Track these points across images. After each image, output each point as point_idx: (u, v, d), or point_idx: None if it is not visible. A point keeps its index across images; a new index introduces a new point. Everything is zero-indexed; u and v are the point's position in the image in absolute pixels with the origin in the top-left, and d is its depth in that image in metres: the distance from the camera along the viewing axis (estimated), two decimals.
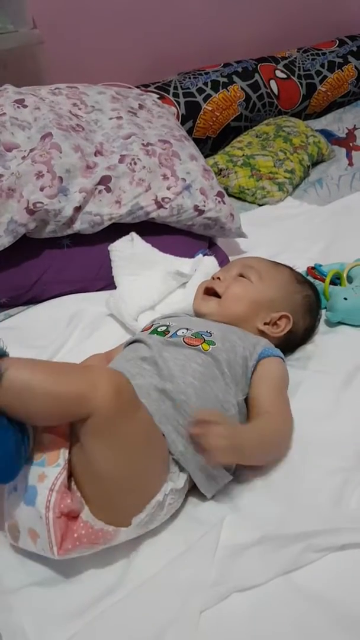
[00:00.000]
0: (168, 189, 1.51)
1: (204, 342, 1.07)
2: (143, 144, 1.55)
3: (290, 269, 1.30)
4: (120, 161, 1.50)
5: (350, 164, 2.15)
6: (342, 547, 0.89)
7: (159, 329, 1.13)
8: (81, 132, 1.54)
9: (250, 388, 1.07)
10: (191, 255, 1.48)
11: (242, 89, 2.24)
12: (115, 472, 0.85)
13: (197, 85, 2.16)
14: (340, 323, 1.36)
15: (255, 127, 2.23)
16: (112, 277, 1.47)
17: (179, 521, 0.96)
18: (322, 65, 2.47)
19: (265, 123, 2.23)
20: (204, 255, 1.46)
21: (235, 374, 1.05)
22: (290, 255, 1.54)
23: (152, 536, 0.93)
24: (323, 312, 1.37)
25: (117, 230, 1.49)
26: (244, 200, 1.95)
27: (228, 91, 2.20)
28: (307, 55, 2.47)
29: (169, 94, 2.09)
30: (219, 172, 1.97)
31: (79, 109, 1.63)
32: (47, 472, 0.85)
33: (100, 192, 1.46)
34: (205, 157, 1.88)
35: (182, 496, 0.96)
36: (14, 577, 0.89)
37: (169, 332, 1.11)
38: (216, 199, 1.56)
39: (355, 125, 2.38)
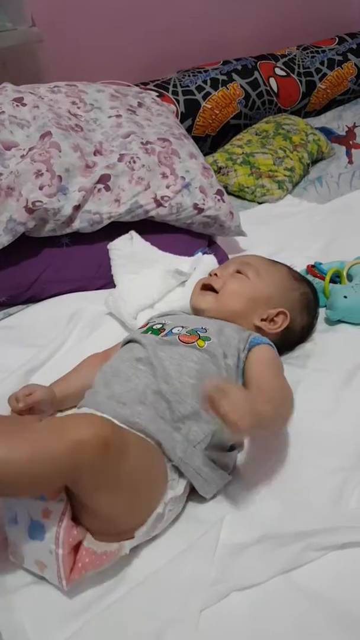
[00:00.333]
0: (167, 187, 1.51)
1: (199, 338, 1.07)
2: (142, 143, 1.55)
3: (288, 267, 1.30)
4: (120, 160, 1.49)
5: (350, 161, 2.14)
6: (342, 546, 0.89)
7: (154, 327, 1.12)
8: (80, 132, 1.53)
9: (245, 376, 1.06)
10: (190, 253, 1.48)
11: (241, 86, 2.23)
12: (115, 508, 0.85)
13: (196, 83, 2.16)
14: (340, 321, 1.36)
15: (254, 125, 2.22)
16: (112, 275, 1.47)
17: (179, 520, 0.96)
18: (322, 63, 2.47)
19: (264, 121, 2.23)
20: (204, 253, 1.46)
21: (230, 367, 1.05)
22: (290, 254, 1.54)
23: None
24: (323, 310, 1.37)
25: (116, 228, 1.49)
26: (244, 199, 1.95)
27: (227, 89, 2.20)
28: (307, 53, 2.47)
29: (168, 92, 2.09)
30: (218, 170, 1.96)
31: (78, 107, 1.63)
32: (51, 507, 0.84)
33: (99, 190, 1.46)
34: (205, 155, 1.88)
35: (183, 501, 0.96)
36: (14, 576, 0.89)
37: (164, 330, 1.10)
38: (215, 197, 1.56)
39: (355, 123, 2.38)
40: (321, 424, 1.10)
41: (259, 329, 1.18)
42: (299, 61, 2.43)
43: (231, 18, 2.37)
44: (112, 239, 1.49)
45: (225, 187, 1.86)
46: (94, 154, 1.51)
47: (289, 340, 1.24)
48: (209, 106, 2.15)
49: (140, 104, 1.76)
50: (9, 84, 1.62)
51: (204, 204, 1.53)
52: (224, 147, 2.10)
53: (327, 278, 1.39)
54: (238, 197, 1.95)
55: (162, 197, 1.50)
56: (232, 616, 0.82)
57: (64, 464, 0.77)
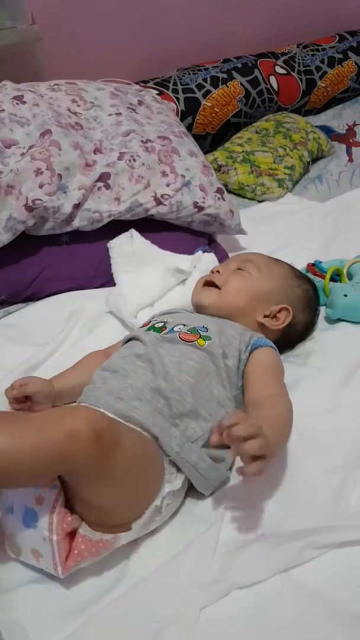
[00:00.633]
0: (167, 185, 1.51)
1: (199, 337, 1.07)
2: (142, 141, 1.55)
3: (288, 264, 1.30)
4: (120, 158, 1.49)
5: (350, 160, 2.14)
6: (342, 544, 0.89)
7: (156, 325, 1.13)
8: (80, 131, 1.53)
9: (245, 379, 1.06)
10: (191, 252, 1.48)
11: (241, 84, 2.23)
12: (110, 501, 0.86)
13: (196, 81, 2.16)
14: (340, 320, 1.35)
15: (254, 123, 2.22)
16: (111, 274, 1.47)
17: (179, 518, 0.96)
18: (322, 61, 2.46)
19: (265, 119, 2.23)
20: (204, 252, 1.46)
21: (230, 368, 1.05)
22: (290, 252, 1.54)
23: (151, 533, 0.93)
24: (323, 308, 1.37)
25: (116, 227, 1.49)
26: (244, 197, 1.95)
27: (227, 87, 2.20)
28: (307, 51, 2.47)
29: (168, 90, 2.08)
30: (218, 169, 1.96)
31: (78, 105, 1.62)
32: (44, 494, 0.84)
33: (99, 189, 1.46)
34: (205, 153, 1.87)
35: (181, 496, 0.96)
36: (13, 575, 0.89)
37: (165, 328, 1.11)
38: (216, 195, 1.56)
39: (355, 121, 2.37)
40: (321, 422, 1.10)
41: (261, 326, 1.18)
42: (299, 59, 2.42)
43: (231, 16, 2.37)
44: (112, 237, 1.49)
45: (226, 186, 1.86)
46: (94, 152, 1.51)
47: (290, 337, 1.24)
48: (209, 104, 2.15)
49: (140, 102, 1.76)
50: (8, 82, 1.62)
51: (204, 202, 1.53)
52: (224, 145, 2.10)
53: (327, 276, 1.39)
54: (238, 195, 1.95)
55: (162, 196, 1.49)
56: (232, 614, 0.83)
57: (60, 454, 0.78)
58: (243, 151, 2.00)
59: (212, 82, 2.18)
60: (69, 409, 0.89)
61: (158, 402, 0.96)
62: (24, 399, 1.10)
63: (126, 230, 1.50)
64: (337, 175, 2.05)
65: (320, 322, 1.35)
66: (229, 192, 1.85)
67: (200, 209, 1.53)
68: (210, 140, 2.20)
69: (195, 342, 1.06)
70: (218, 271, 1.24)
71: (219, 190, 1.58)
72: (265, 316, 1.19)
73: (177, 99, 2.09)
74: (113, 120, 1.60)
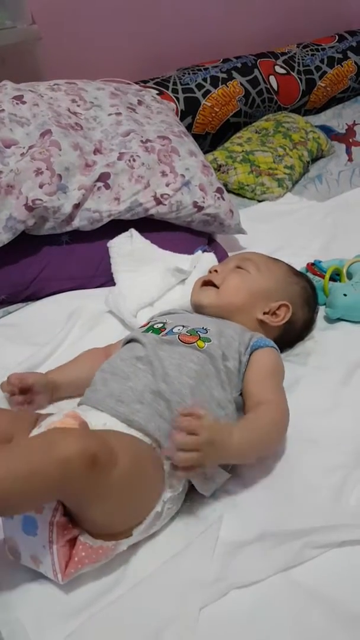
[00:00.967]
0: (167, 185, 1.51)
1: (199, 339, 1.06)
2: (142, 141, 1.55)
3: (286, 263, 1.30)
4: (119, 158, 1.49)
5: (350, 159, 2.14)
6: (342, 544, 0.89)
7: (155, 326, 1.12)
8: (80, 131, 1.53)
9: (245, 381, 1.06)
10: (190, 251, 1.48)
11: (241, 84, 2.23)
12: (110, 515, 0.86)
13: (196, 81, 2.16)
14: (339, 319, 1.35)
15: (254, 123, 2.22)
16: (111, 273, 1.47)
17: (178, 518, 0.96)
18: (322, 61, 2.46)
19: (264, 119, 2.23)
20: (203, 251, 1.46)
21: (230, 370, 1.05)
22: (289, 252, 1.54)
23: (151, 534, 0.93)
24: (322, 308, 1.37)
25: (116, 226, 1.49)
26: (244, 197, 1.95)
27: (227, 87, 2.20)
28: (307, 51, 2.47)
29: (168, 90, 2.08)
30: (218, 168, 1.96)
31: (78, 105, 1.62)
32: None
33: (99, 189, 1.46)
34: (205, 153, 1.87)
35: (181, 499, 0.96)
36: (13, 575, 0.89)
37: (164, 329, 1.10)
38: (215, 195, 1.56)
39: (354, 121, 2.37)
40: (321, 421, 1.10)
41: (261, 323, 1.18)
42: (299, 59, 2.42)
43: (231, 16, 2.37)
44: (111, 237, 1.49)
45: (225, 185, 1.86)
46: (94, 152, 1.51)
47: (290, 335, 1.24)
48: (209, 104, 2.15)
49: (140, 102, 1.76)
50: (8, 82, 1.62)
51: (203, 202, 1.53)
52: (224, 145, 2.10)
53: (327, 276, 1.39)
54: (238, 195, 1.95)
55: (161, 195, 1.49)
56: (231, 614, 0.83)
57: (53, 481, 0.77)
58: (243, 151, 2.00)
59: (212, 82, 2.18)
60: (59, 433, 0.86)
61: (159, 404, 0.96)
62: (26, 390, 1.10)
63: (126, 230, 1.50)
64: (336, 174, 2.05)
65: (320, 322, 1.35)
66: (229, 191, 1.85)
67: (200, 208, 1.53)
68: (210, 140, 2.20)
69: (195, 343, 1.05)
70: (216, 270, 1.24)
71: (218, 190, 1.58)
72: (264, 313, 1.19)
73: (177, 98, 2.09)
74: (113, 120, 1.60)
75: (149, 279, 1.40)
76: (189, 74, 2.17)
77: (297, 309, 1.22)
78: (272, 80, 2.32)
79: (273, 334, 1.18)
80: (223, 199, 1.57)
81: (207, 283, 1.24)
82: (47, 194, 1.39)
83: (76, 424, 0.90)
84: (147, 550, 0.91)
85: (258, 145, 2.03)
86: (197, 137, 2.04)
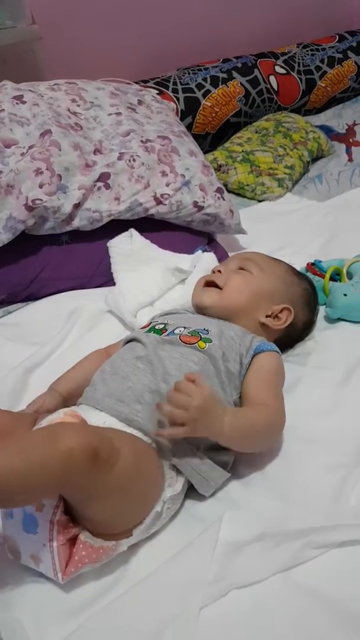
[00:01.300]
0: (167, 185, 1.51)
1: (200, 339, 1.06)
2: (142, 141, 1.55)
3: (287, 263, 1.30)
4: (119, 158, 1.49)
5: (350, 159, 2.14)
6: (342, 543, 0.89)
7: (156, 327, 1.12)
8: (80, 131, 1.53)
9: (244, 384, 1.06)
10: (190, 251, 1.48)
11: (241, 84, 2.23)
12: (110, 514, 0.86)
13: (196, 80, 2.16)
14: (339, 319, 1.35)
15: (254, 122, 2.22)
16: (111, 273, 1.47)
17: (179, 518, 0.96)
18: (322, 61, 2.46)
19: (264, 119, 2.23)
20: (203, 251, 1.46)
21: (230, 371, 1.04)
22: (289, 251, 1.54)
23: (151, 534, 0.93)
24: (322, 308, 1.37)
25: (116, 226, 1.49)
26: (244, 196, 1.95)
27: (227, 87, 2.20)
28: (307, 51, 2.47)
29: (168, 90, 2.08)
30: (218, 168, 1.96)
31: (78, 105, 1.62)
32: (44, 500, 0.84)
33: (99, 188, 1.46)
34: (205, 153, 1.88)
35: (181, 499, 0.96)
36: (13, 575, 0.89)
37: (166, 330, 1.10)
38: (215, 195, 1.56)
39: (354, 121, 2.38)
40: (321, 421, 1.10)
41: (264, 326, 1.17)
42: (299, 59, 2.42)
43: (231, 16, 2.37)
44: (111, 236, 1.49)
45: (225, 185, 1.86)
46: (94, 152, 1.51)
47: (290, 337, 1.24)
48: (209, 104, 2.15)
49: (140, 102, 1.76)
50: (8, 82, 1.62)
51: (203, 202, 1.53)
52: (224, 145, 2.10)
53: (327, 276, 1.39)
54: (238, 195, 1.95)
55: (161, 195, 1.49)
56: (231, 614, 0.82)
57: (55, 474, 0.77)
58: (243, 151, 2.00)
59: (212, 82, 2.18)
60: (61, 426, 0.85)
61: None
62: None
63: (126, 229, 1.50)
64: (336, 174, 2.05)
65: (320, 322, 1.35)
66: (229, 191, 1.85)
67: (200, 208, 1.53)
68: (210, 140, 2.20)
69: (196, 344, 1.05)
70: (219, 271, 1.24)
71: (218, 190, 1.58)
72: (267, 316, 1.18)
73: (177, 98, 2.09)
74: (113, 120, 1.60)
75: (149, 278, 1.39)
76: (189, 73, 2.17)
77: (298, 310, 1.22)
78: (272, 80, 2.32)
79: (274, 336, 1.17)
80: (223, 199, 1.57)
81: (209, 284, 1.23)
82: (47, 193, 1.39)
83: (76, 422, 0.90)
84: (147, 550, 0.91)
85: (258, 145, 2.03)
86: (197, 137, 2.04)
